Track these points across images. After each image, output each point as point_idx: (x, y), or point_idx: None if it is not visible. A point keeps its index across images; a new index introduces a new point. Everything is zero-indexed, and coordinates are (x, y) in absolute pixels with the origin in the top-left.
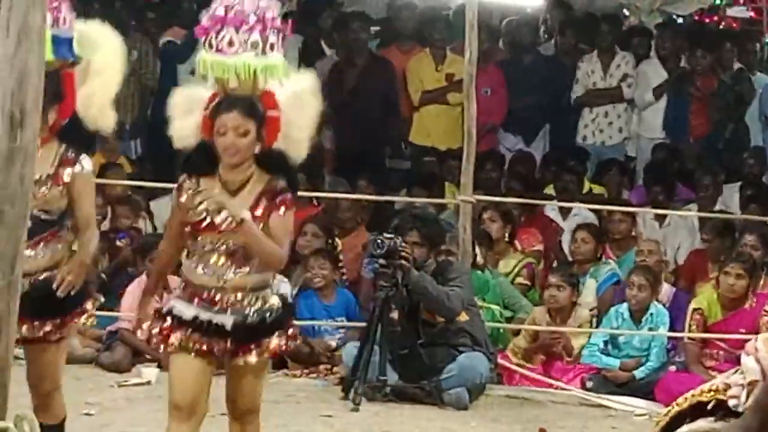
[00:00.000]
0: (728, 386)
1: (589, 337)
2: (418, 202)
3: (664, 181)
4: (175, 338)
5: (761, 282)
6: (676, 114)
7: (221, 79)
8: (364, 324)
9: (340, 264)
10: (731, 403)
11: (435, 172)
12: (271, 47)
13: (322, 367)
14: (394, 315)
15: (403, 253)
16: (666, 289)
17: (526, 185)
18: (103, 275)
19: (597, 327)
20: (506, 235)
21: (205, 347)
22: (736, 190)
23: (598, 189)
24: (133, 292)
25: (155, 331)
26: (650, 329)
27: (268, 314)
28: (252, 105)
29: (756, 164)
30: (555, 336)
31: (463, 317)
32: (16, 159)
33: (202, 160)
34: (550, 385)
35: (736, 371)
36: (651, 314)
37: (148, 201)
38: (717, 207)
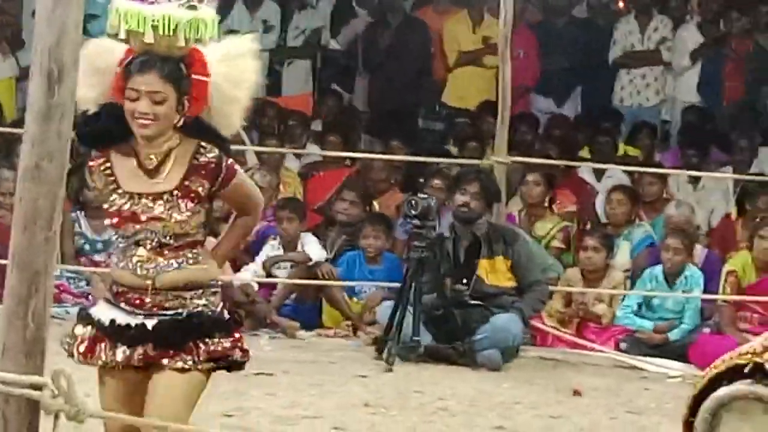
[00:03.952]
0: (766, 349)
1: (623, 299)
2: (452, 162)
3: (698, 144)
4: (99, 350)
5: None
6: (710, 77)
7: (136, 33)
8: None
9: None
10: None
11: (468, 134)
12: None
13: (344, 323)
14: (427, 277)
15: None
16: (699, 252)
17: (561, 147)
18: None
19: (631, 289)
20: (546, 198)
21: (122, 356)
22: None
23: (632, 151)
24: None
25: (77, 342)
26: (684, 291)
27: (206, 313)
28: (173, 66)
29: None
30: (582, 304)
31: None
32: (54, 115)
33: (113, 129)
34: (584, 347)
35: None
36: (685, 276)
37: None
38: (753, 170)
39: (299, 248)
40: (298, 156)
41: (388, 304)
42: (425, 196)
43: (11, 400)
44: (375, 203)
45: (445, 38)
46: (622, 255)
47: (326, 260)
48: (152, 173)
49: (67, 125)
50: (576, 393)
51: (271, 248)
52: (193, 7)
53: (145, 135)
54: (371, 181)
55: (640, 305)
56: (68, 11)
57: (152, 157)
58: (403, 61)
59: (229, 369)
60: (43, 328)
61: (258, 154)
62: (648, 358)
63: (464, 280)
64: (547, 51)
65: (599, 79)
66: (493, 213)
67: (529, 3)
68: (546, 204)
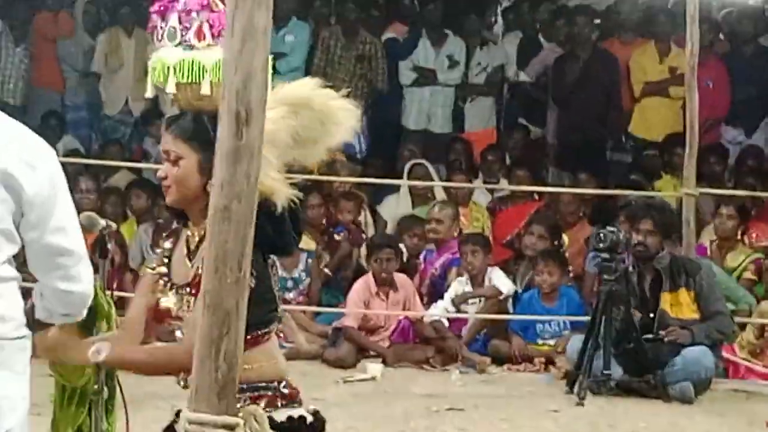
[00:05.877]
0: None
1: None
2: (640, 195)
3: None
4: None
5: None
6: None
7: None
8: (587, 319)
9: (569, 267)
10: None
11: (656, 166)
12: (199, 36)
13: (537, 360)
14: (617, 310)
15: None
16: None
17: (752, 178)
18: (327, 270)
19: None
20: (738, 231)
21: None
22: None
23: None
24: (357, 289)
25: None
26: None
27: None
28: (193, 122)
29: None
30: None
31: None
32: (242, 156)
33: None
34: None
35: None
36: None
37: (372, 201)
38: None
39: (486, 283)
40: (490, 191)
41: (578, 338)
42: (614, 228)
43: None
44: (564, 237)
45: (631, 69)
46: None
47: (516, 293)
48: (191, 255)
49: (256, 167)
50: None
51: (459, 284)
52: (189, 47)
53: (168, 202)
54: (560, 214)
55: None
56: (255, 53)
57: (195, 232)
58: (592, 93)
59: None
60: (235, 369)
61: (446, 189)
62: None
63: (650, 315)
64: (735, 81)
65: None
66: (680, 244)
67: (716, 32)
68: (738, 236)
